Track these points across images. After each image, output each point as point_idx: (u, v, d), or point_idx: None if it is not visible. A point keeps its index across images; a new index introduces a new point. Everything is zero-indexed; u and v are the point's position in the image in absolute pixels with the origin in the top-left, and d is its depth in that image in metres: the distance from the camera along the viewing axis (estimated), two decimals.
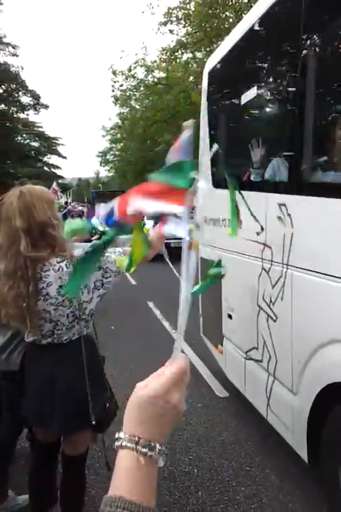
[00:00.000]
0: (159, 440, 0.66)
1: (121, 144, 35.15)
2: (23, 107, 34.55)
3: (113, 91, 21.84)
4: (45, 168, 41.31)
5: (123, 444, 0.65)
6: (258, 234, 2.76)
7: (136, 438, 0.65)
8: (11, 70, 30.89)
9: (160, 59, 20.27)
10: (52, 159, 42.44)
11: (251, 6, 3.42)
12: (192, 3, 17.11)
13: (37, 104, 35.24)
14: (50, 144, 40.96)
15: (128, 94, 22.46)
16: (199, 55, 19.24)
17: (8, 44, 30.31)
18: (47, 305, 1.85)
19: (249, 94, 3.17)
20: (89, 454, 2.26)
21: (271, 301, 2.71)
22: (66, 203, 15.11)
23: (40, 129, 38.89)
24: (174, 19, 18.01)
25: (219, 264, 2.33)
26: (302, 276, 2.33)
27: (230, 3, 15.98)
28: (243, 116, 3.66)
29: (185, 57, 19.81)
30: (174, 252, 11.92)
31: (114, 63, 30.98)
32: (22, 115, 35.06)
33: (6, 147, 29.22)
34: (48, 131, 44.15)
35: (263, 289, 2.80)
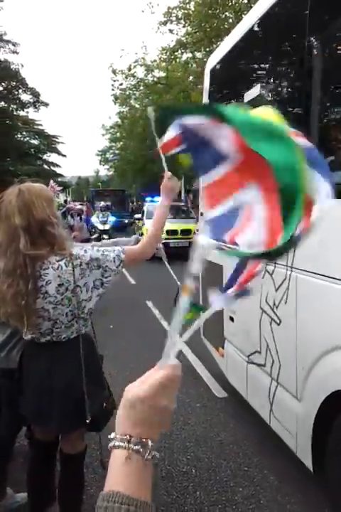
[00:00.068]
0: (151, 437, 0.68)
1: (121, 143, 35.14)
2: (23, 105, 34.43)
3: (113, 90, 21.87)
4: (45, 166, 41.16)
5: (116, 443, 0.67)
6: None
7: (128, 436, 0.66)
8: (11, 67, 30.75)
9: (159, 58, 20.27)
10: (52, 157, 42.33)
11: (251, 7, 3.43)
12: (192, 3, 17.09)
13: (37, 102, 35.12)
14: (49, 142, 40.83)
15: (127, 93, 22.49)
16: (198, 55, 19.22)
17: (8, 41, 30.17)
18: (46, 303, 1.85)
19: (252, 93, 3.13)
20: (88, 453, 2.26)
21: (274, 304, 2.66)
22: (65, 201, 15.13)
23: (39, 127, 38.75)
24: (174, 19, 17.99)
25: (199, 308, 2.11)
26: (307, 279, 2.29)
27: (230, 3, 15.96)
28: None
29: (184, 57, 19.80)
30: (173, 251, 12.07)
31: (114, 62, 31.00)
32: (22, 113, 34.92)
33: (6, 145, 29.11)
34: (48, 129, 44.16)
35: (266, 292, 2.75)
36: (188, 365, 4.80)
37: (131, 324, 6.53)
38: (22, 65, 31.38)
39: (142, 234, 12.11)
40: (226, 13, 16.47)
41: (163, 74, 20.78)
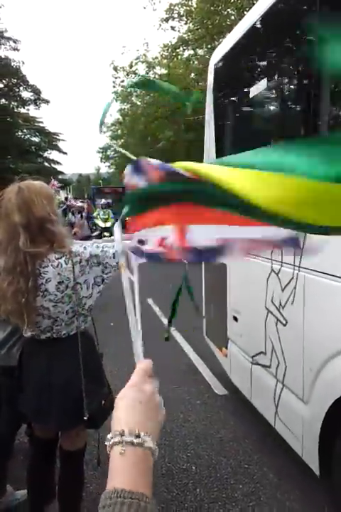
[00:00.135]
0: (144, 429, 0.70)
1: (122, 140, 35.09)
2: (24, 102, 34.39)
3: (114, 87, 21.79)
4: (46, 164, 41.19)
5: (111, 441, 0.69)
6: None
7: (120, 430, 0.68)
8: (12, 64, 30.70)
9: (161, 55, 20.21)
10: (53, 155, 42.36)
11: (253, 4, 3.36)
12: (194, 0, 17.05)
13: (38, 99, 35.08)
14: (50, 140, 40.84)
15: (129, 90, 22.39)
16: (200, 52, 19.16)
17: (9, 38, 30.12)
18: (45, 301, 1.85)
19: (259, 87, 3.05)
20: (88, 450, 2.26)
21: (280, 304, 2.60)
22: (66, 198, 15.12)
23: (40, 125, 38.76)
24: (176, 16, 17.92)
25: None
26: (316, 279, 2.21)
27: (232, 0, 15.91)
28: (252, 109, 3.50)
29: (186, 54, 19.72)
30: None
31: (115, 59, 30.97)
32: (22, 110, 34.88)
33: (7, 142, 29.10)
34: (49, 126, 44.18)
35: (272, 292, 2.69)
36: (189, 363, 4.81)
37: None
38: (23, 62, 31.35)
39: None
40: (229, 10, 16.41)
41: (164, 71, 20.69)
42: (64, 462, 2.18)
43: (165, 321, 6.51)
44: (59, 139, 42.08)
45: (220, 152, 3.64)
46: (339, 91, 2.41)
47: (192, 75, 19.80)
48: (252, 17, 3.02)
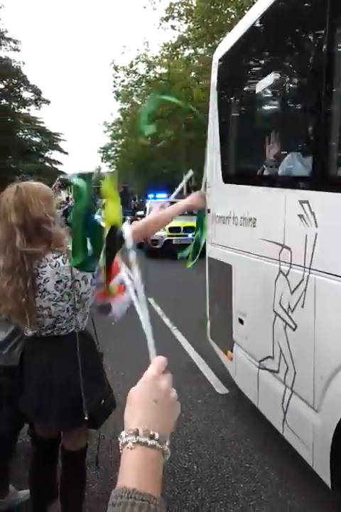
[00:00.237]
0: (159, 430, 0.70)
1: (123, 140, 35.09)
2: (25, 102, 34.42)
3: (114, 86, 21.80)
4: (47, 164, 41.21)
5: (124, 440, 0.68)
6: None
7: (134, 429, 0.68)
8: (13, 65, 30.73)
9: (161, 55, 20.21)
10: (54, 155, 42.39)
11: (253, 2, 3.31)
12: None
13: (38, 100, 35.10)
14: (51, 140, 40.86)
15: (129, 89, 22.40)
16: (201, 51, 19.19)
17: (9, 39, 30.15)
18: (45, 301, 1.86)
19: (266, 82, 2.93)
20: (90, 449, 2.27)
21: (289, 307, 2.48)
22: (67, 198, 15.10)
23: (41, 125, 38.78)
24: (176, 15, 17.94)
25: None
26: (328, 281, 2.09)
27: None
28: (258, 106, 3.42)
29: (186, 53, 19.75)
30: (176, 248, 12.05)
31: (116, 59, 30.84)
32: (23, 110, 34.94)
33: (8, 142, 29.15)
34: (50, 126, 44.00)
35: (281, 294, 2.57)
36: (190, 362, 4.82)
37: (132, 321, 6.51)
38: (23, 63, 31.40)
39: None
40: (229, 9, 16.42)
41: (164, 70, 20.70)
42: (66, 462, 2.19)
43: (167, 321, 6.53)
44: (60, 139, 42.10)
45: (225, 151, 3.55)
46: None
47: (193, 73, 19.80)
48: (259, 8, 2.88)
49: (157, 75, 21.23)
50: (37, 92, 34.49)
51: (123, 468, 0.67)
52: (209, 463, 3.04)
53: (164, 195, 18.19)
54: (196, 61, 19.59)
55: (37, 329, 1.95)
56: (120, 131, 34.17)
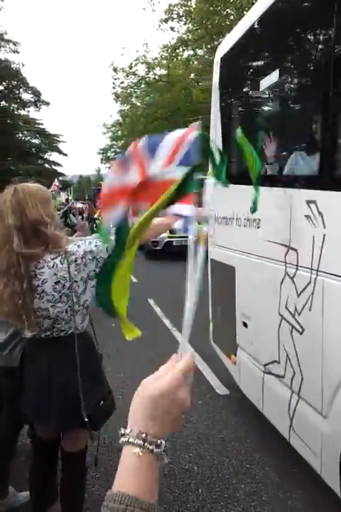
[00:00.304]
0: (163, 436, 0.68)
1: (122, 141, 35.09)
2: (24, 104, 34.48)
3: (114, 88, 21.77)
4: (46, 166, 41.28)
5: (130, 440, 0.66)
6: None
7: (144, 435, 0.66)
8: (12, 66, 30.80)
9: (161, 56, 20.20)
10: (53, 156, 42.47)
11: (253, 3, 3.29)
12: (193, 0, 17.05)
13: (38, 101, 35.17)
14: (50, 141, 40.92)
15: (129, 91, 22.39)
16: (200, 52, 19.17)
17: (9, 41, 30.21)
18: (43, 302, 1.86)
19: (269, 80, 2.86)
20: (89, 451, 2.26)
21: (295, 310, 2.41)
22: (66, 200, 15.09)
23: (40, 126, 38.83)
24: (175, 16, 17.92)
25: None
26: (337, 284, 2.03)
27: (231, 0, 15.91)
28: (262, 104, 3.34)
29: (186, 54, 19.72)
30: (176, 250, 12.06)
31: (115, 60, 31.03)
32: (23, 112, 35.02)
33: (7, 144, 29.17)
34: (49, 128, 44.16)
35: (287, 297, 2.50)
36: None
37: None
38: (23, 64, 31.50)
39: None
40: (228, 10, 16.41)
41: (164, 71, 20.71)
42: (66, 463, 2.18)
43: (167, 322, 6.52)
44: (59, 141, 42.18)
45: (228, 150, 3.38)
46: None
47: (192, 75, 19.81)
48: (263, 4, 2.80)
49: (156, 77, 21.24)
50: (36, 93, 34.55)
51: (122, 470, 0.65)
52: (210, 464, 3.04)
53: None
54: (195, 62, 19.59)
55: (36, 331, 1.95)
56: (119, 132, 34.14)
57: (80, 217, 12.13)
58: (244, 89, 3.56)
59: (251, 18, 3.02)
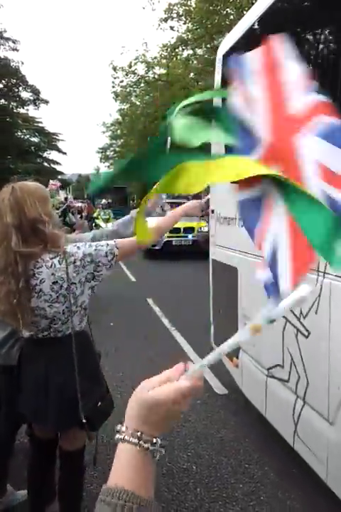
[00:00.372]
0: (158, 435, 0.68)
1: (122, 141, 35.10)
2: (23, 102, 34.43)
3: (113, 87, 21.81)
4: (45, 164, 41.19)
5: (126, 438, 0.67)
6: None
7: (139, 433, 0.66)
8: (11, 64, 30.74)
9: (160, 55, 20.21)
10: (52, 155, 42.37)
11: (253, 3, 3.26)
12: (193, 0, 17.05)
13: (37, 100, 35.11)
14: (50, 140, 40.84)
15: (128, 90, 22.42)
16: (199, 51, 19.18)
17: (8, 39, 30.16)
18: (41, 302, 1.85)
19: None
20: (88, 450, 2.26)
21: (301, 313, 2.37)
22: (65, 198, 15.09)
23: (40, 125, 38.75)
24: (175, 15, 17.95)
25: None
26: None
27: None
28: None
29: (185, 53, 19.74)
30: (176, 249, 12.05)
31: (115, 59, 30.98)
32: (22, 110, 34.94)
33: (6, 142, 29.13)
34: (48, 126, 43.93)
35: None
36: (189, 363, 4.80)
37: (131, 322, 6.54)
38: (22, 63, 31.43)
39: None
40: (228, 10, 16.43)
41: (163, 71, 20.73)
42: (64, 462, 2.18)
43: (166, 322, 6.52)
44: (58, 139, 42.09)
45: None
46: None
47: (192, 74, 19.81)
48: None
49: (156, 76, 21.25)
50: (35, 92, 34.49)
51: (117, 466, 0.66)
52: (209, 463, 3.04)
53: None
54: (195, 62, 19.60)
55: (34, 331, 1.94)
56: (119, 131, 34.15)
57: (79, 216, 12.12)
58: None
59: (254, 13, 2.96)
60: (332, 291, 2.09)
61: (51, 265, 1.84)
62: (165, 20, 18.14)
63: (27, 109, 35.45)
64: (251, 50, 0.84)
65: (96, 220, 17.49)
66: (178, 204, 3.17)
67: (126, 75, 20.95)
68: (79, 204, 17.48)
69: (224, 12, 16.50)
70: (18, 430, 2.62)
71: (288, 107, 0.75)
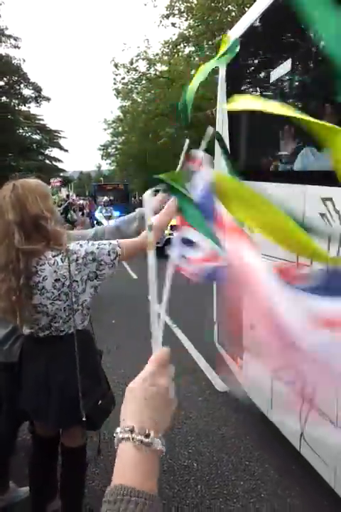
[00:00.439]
0: (154, 428, 0.69)
1: (123, 138, 35.05)
2: (25, 100, 34.43)
3: (115, 84, 21.76)
4: (47, 162, 41.23)
5: (120, 436, 0.68)
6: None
7: (131, 427, 0.68)
8: (13, 62, 30.75)
9: (162, 52, 20.15)
10: (54, 152, 42.40)
11: (254, 0, 3.20)
12: None
13: (38, 97, 35.12)
14: (51, 137, 40.85)
15: (129, 87, 22.36)
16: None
17: (9, 36, 30.13)
18: (43, 299, 1.86)
19: (280, 71, 2.71)
20: (90, 446, 2.27)
21: None
22: (67, 196, 15.12)
23: (41, 122, 38.76)
24: (176, 12, 17.88)
25: None
26: None
27: None
28: (273, 96, 3.17)
29: (187, 50, 19.69)
30: None
31: (116, 56, 30.84)
32: (23, 108, 34.96)
33: (8, 140, 29.15)
34: (50, 124, 44.16)
35: None
36: (190, 360, 4.81)
37: (132, 319, 6.54)
38: (24, 60, 31.45)
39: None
40: (229, 6, 16.35)
41: (165, 68, 20.66)
42: (65, 459, 2.19)
43: (167, 319, 6.52)
44: (60, 137, 42.11)
45: (235, 146, 3.34)
46: None
47: (193, 71, 19.72)
48: None
49: (157, 73, 21.19)
50: (37, 89, 34.49)
51: (118, 465, 0.67)
52: (209, 460, 3.05)
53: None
54: (196, 59, 19.53)
55: (35, 329, 1.95)
56: (120, 128, 34.08)
57: (81, 213, 12.13)
58: (252, 78, 3.39)
59: (260, 6, 2.86)
60: None
61: (54, 263, 1.85)
62: (167, 16, 18.08)
63: (28, 107, 35.49)
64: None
65: (98, 218, 17.47)
66: None
67: (128, 71, 20.90)
68: (81, 201, 17.50)
69: (226, 9, 16.43)
70: (20, 427, 2.63)
71: None
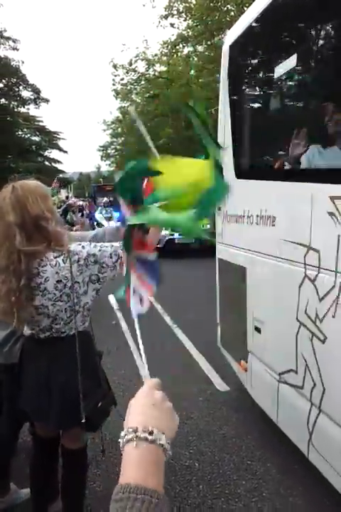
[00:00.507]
0: (157, 427, 0.72)
1: (122, 139, 35.06)
2: (24, 101, 34.44)
3: (114, 85, 21.78)
4: (46, 163, 41.23)
5: (125, 438, 0.70)
6: None
7: (134, 427, 0.70)
8: (12, 64, 30.76)
9: (161, 52, 20.16)
10: (53, 154, 42.42)
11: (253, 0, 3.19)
12: None
13: (37, 99, 35.12)
14: (50, 139, 40.86)
15: (129, 88, 22.37)
16: (200, 48, 19.12)
17: (8, 38, 30.14)
18: (45, 300, 1.86)
19: (286, 66, 2.64)
20: (91, 448, 2.27)
21: (317, 316, 2.23)
22: (67, 197, 15.10)
23: (40, 124, 38.78)
24: (175, 12, 17.88)
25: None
26: None
27: None
28: (277, 94, 3.12)
29: (186, 50, 19.70)
30: (178, 248, 12.04)
31: (115, 57, 30.89)
32: (22, 109, 34.98)
33: (7, 141, 29.16)
34: (49, 125, 44.17)
35: (306, 302, 2.31)
36: (191, 360, 4.81)
37: (132, 320, 6.54)
38: (22, 62, 31.49)
39: None
40: (228, 6, 16.34)
41: (164, 68, 20.67)
42: (66, 460, 2.19)
43: (167, 319, 6.52)
44: (59, 138, 42.13)
45: (239, 145, 3.28)
46: None
47: (192, 71, 19.75)
48: None
49: (156, 73, 21.19)
50: (36, 91, 34.50)
51: (124, 465, 0.68)
52: (211, 460, 3.04)
53: None
54: (195, 59, 19.54)
55: (35, 330, 1.94)
56: (119, 129, 34.09)
57: (80, 214, 12.10)
58: (257, 77, 3.34)
59: (260, 4, 2.80)
60: None
61: (55, 264, 1.84)
62: (166, 17, 18.08)
63: (27, 108, 35.50)
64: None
65: (98, 219, 17.46)
66: None
67: (127, 72, 20.91)
68: (81, 202, 17.47)
69: (225, 9, 16.42)
70: (21, 429, 2.63)
71: None
